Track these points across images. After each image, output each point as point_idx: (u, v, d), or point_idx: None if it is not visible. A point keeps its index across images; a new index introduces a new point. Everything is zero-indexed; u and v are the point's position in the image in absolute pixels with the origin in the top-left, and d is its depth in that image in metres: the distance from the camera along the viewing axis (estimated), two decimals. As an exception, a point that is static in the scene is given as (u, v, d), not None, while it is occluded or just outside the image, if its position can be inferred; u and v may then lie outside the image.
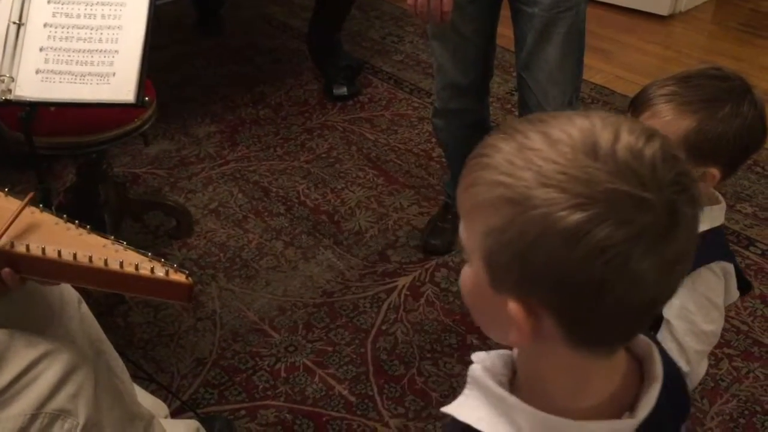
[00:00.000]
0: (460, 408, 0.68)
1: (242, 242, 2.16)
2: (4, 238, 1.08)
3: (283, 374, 1.79)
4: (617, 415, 0.65)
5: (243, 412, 1.70)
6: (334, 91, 2.77)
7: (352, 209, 2.29)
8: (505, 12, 1.89)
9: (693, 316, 1.12)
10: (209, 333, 1.88)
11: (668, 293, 0.60)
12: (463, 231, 0.63)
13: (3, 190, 1.21)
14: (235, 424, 1.66)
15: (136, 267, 1.09)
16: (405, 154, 2.52)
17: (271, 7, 3.41)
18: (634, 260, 0.55)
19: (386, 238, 2.19)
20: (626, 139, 0.57)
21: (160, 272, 1.09)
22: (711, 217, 1.14)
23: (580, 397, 0.64)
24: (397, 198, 2.34)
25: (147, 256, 1.12)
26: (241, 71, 2.94)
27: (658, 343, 0.70)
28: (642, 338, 0.68)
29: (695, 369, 1.16)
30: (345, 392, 1.75)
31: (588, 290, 0.56)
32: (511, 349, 0.70)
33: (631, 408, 0.65)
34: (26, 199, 1.14)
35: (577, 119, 0.59)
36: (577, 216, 0.55)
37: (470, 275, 0.64)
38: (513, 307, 0.59)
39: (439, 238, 2.13)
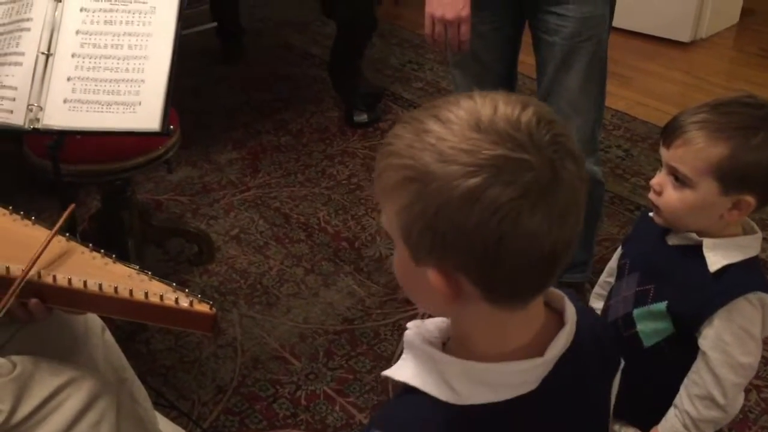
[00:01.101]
0: (398, 369, 0.75)
1: (263, 269, 2.16)
2: (33, 269, 1.09)
3: (303, 402, 1.78)
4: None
5: (263, 441, 1.69)
6: (354, 118, 2.79)
7: (372, 236, 2.29)
8: (527, 38, 1.90)
9: (729, 348, 1.10)
10: (230, 360, 1.88)
11: (564, 245, 0.66)
12: (383, 216, 0.70)
13: (30, 218, 1.23)
14: (255, 452, 1.66)
15: (161, 297, 1.10)
16: (425, 181, 2.52)
17: (293, 36, 3.45)
18: (524, 215, 0.63)
19: (407, 265, 2.18)
20: (503, 110, 0.65)
21: (184, 303, 1.10)
22: (745, 247, 1.13)
23: (500, 344, 0.72)
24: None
25: (171, 286, 1.13)
26: (263, 98, 2.97)
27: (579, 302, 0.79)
28: (555, 292, 0.76)
29: (731, 402, 1.13)
30: (366, 421, 1.73)
31: (490, 248, 0.63)
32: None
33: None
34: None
35: (462, 101, 0.67)
36: (469, 182, 0.62)
37: (396, 257, 0.71)
38: (432, 274, 0.66)
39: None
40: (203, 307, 1.11)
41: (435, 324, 0.76)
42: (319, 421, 1.73)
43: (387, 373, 0.75)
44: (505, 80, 1.93)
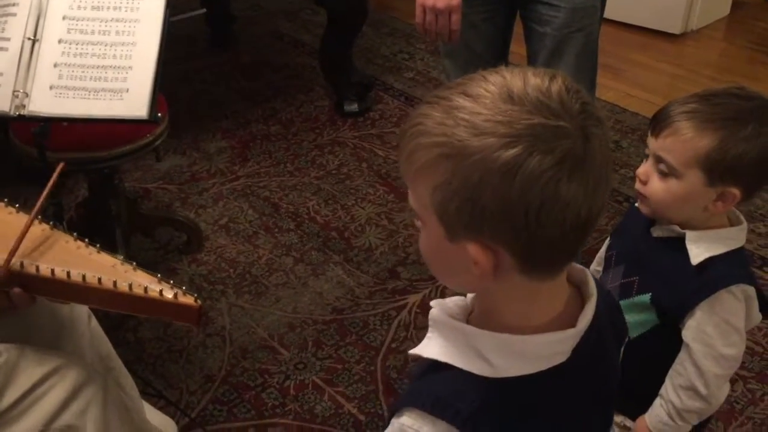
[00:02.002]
0: (425, 347, 0.75)
1: (252, 258, 2.15)
2: (15, 258, 1.08)
3: (292, 392, 1.77)
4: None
5: (252, 430, 1.69)
6: (345, 107, 2.78)
7: (362, 225, 2.28)
8: (518, 29, 1.89)
9: (711, 340, 1.11)
10: (218, 349, 1.88)
11: (598, 210, 0.67)
12: (412, 197, 0.70)
13: (14, 206, 1.21)
14: (243, 441, 1.65)
15: (145, 289, 1.09)
16: (416, 171, 2.51)
17: (283, 24, 3.43)
18: (563, 182, 0.64)
19: (396, 254, 2.18)
20: (533, 81, 0.66)
21: (168, 294, 1.09)
22: (729, 239, 1.13)
23: (530, 318, 0.72)
24: (408, 215, 2.33)
25: (156, 277, 1.11)
26: (253, 87, 2.96)
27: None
28: (577, 266, 0.77)
29: (714, 393, 1.14)
30: (354, 411, 1.73)
31: (531, 217, 0.64)
32: (464, 296, 0.79)
33: (574, 325, 0.74)
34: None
35: (489, 76, 0.68)
36: (509, 152, 0.63)
37: (426, 237, 0.71)
38: (472, 248, 0.67)
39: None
40: (188, 300, 1.10)
41: (454, 302, 0.77)
42: (307, 411, 1.73)
43: (415, 351, 0.75)
44: (496, 70, 1.93)
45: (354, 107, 2.78)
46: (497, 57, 1.91)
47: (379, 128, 2.74)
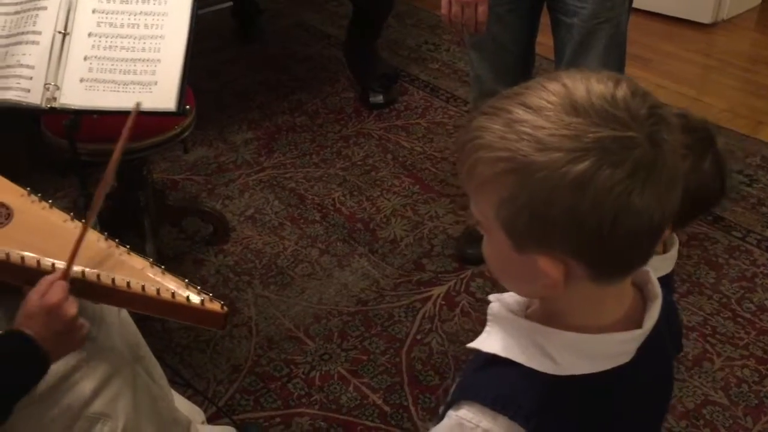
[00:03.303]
0: (485, 342, 0.75)
1: (278, 249, 2.17)
2: (48, 259, 1.09)
3: (317, 382, 1.79)
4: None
5: (278, 420, 1.71)
6: (370, 99, 2.78)
7: (387, 217, 2.29)
8: (545, 19, 1.88)
9: None
10: (245, 340, 1.90)
11: (670, 212, 0.66)
12: (475, 209, 0.69)
13: (48, 201, 1.23)
14: (270, 431, 1.67)
15: (173, 295, 1.10)
16: (441, 163, 2.51)
17: (309, 16, 3.44)
18: (636, 193, 0.62)
19: (421, 246, 2.18)
20: (597, 89, 0.64)
21: (195, 300, 1.10)
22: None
23: (597, 318, 0.72)
24: (433, 206, 2.33)
25: (184, 282, 1.13)
26: (279, 79, 2.97)
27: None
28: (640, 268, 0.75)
29: None
30: (379, 402, 1.74)
31: (604, 229, 0.63)
32: None
33: (639, 325, 0.73)
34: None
35: (548, 84, 0.65)
36: (578, 167, 0.61)
37: (492, 247, 0.71)
38: (543, 261, 0.66)
39: (474, 248, 2.11)
40: (215, 306, 1.11)
41: (513, 298, 0.77)
42: (332, 401, 1.74)
43: (474, 345, 0.75)
44: (523, 62, 1.92)
45: (379, 99, 2.78)
46: (523, 49, 1.90)
47: (404, 120, 2.73)
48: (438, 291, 2.04)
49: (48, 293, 1.04)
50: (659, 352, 0.79)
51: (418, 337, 1.90)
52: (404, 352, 1.86)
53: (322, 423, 1.69)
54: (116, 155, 1.13)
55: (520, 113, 0.64)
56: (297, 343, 1.89)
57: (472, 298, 2.01)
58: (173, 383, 1.55)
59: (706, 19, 3.33)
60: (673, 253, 1.11)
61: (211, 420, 1.66)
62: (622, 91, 0.64)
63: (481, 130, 0.66)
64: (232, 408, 1.72)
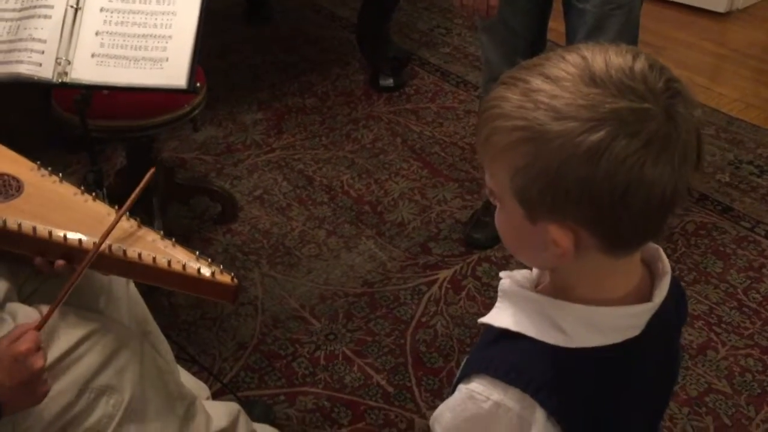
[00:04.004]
0: (496, 316, 0.76)
1: (285, 230, 2.18)
2: (59, 231, 1.09)
3: (322, 362, 1.80)
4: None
5: (282, 398, 1.72)
6: (380, 82, 2.77)
7: (395, 200, 2.29)
8: (557, 5, 1.87)
9: None
10: (251, 318, 1.91)
11: (683, 188, 0.67)
12: (489, 179, 0.70)
13: (58, 175, 1.24)
14: (274, 408, 1.68)
15: (184, 266, 1.11)
16: (450, 147, 2.51)
17: (321, -3, 3.42)
18: (648, 165, 0.63)
19: (428, 230, 2.18)
20: (616, 61, 0.65)
21: (206, 272, 1.11)
22: None
23: (606, 291, 0.73)
24: (441, 191, 2.33)
25: (194, 254, 1.13)
26: (289, 60, 2.96)
27: None
28: (649, 244, 0.76)
29: None
30: (383, 382, 1.75)
31: (615, 199, 0.64)
32: (530, 269, 0.79)
33: (648, 300, 0.74)
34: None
35: (568, 56, 0.66)
36: (593, 137, 0.62)
37: (505, 217, 0.71)
38: (554, 230, 0.67)
39: (481, 232, 2.12)
40: (225, 278, 1.12)
41: (522, 274, 0.78)
42: (337, 381, 1.75)
43: (484, 320, 0.77)
44: (534, 47, 1.91)
45: (389, 82, 2.77)
46: (535, 33, 1.89)
47: (414, 103, 2.73)
48: (444, 274, 2.04)
49: (18, 341, 1.01)
50: (667, 328, 0.79)
51: (423, 319, 1.91)
52: (409, 334, 1.87)
53: (326, 402, 1.71)
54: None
55: (539, 83, 0.65)
56: (302, 323, 1.90)
57: (478, 282, 2.01)
58: (179, 359, 1.56)
59: (721, 8, 3.30)
60: None
61: (216, 396, 1.67)
62: (640, 64, 0.65)
63: (499, 100, 0.66)
64: (236, 385, 1.74)
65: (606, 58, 0.65)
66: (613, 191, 0.63)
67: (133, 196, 1.15)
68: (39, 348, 1.02)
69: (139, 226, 1.16)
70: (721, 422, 1.67)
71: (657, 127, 0.63)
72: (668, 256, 1.30)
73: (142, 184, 1.16)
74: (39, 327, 1.05)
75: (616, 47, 0.66)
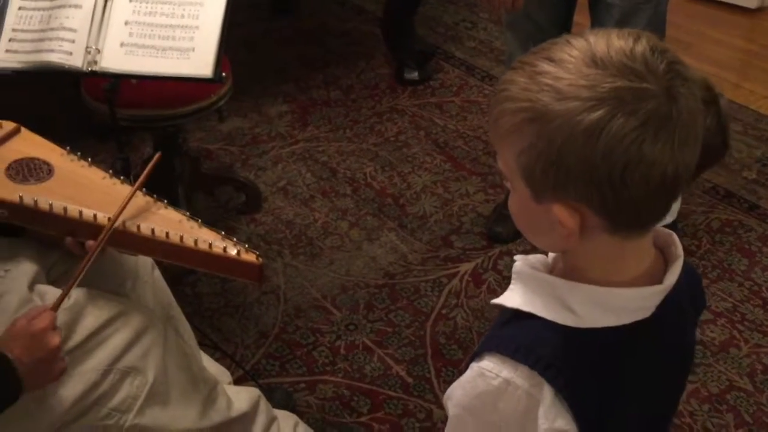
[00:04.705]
0: (508, 298, 0.78)
1: (308, 221, 2.19)
2: (91, 210, 1.12)
3: (342, 351, 1.82)
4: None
5: (302, 385, 1.74)
6: (405, 75, 2.78)
7: (417, 193, 2.30)
8: (582, 0, 1.86)
9: None
10: (273, 307, 1.93)
11: (685, 168, 0.68)
12: (500, 161, 0.72)
13: (87, 160, 1.27)
14: (294, 396, 1.70)
15: (210, 245, 1.13)
16: (473, 141, 2.51)
17: (347, -9, 3.43)
18: (648, 142, 0.64)
19: (450, 223, 2.19)
20: (617, 43, 0.67)
21: (232, 251, 1.13)
22: None
23: (616, 274, 0.73)
24: (464, 184, 2.33)
25: (220, 234, 1.16)
26: (314, 53, 2.98)
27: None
28: (663, 230, 0.78)
29: None
30: (403, 373, 1.77)
31: (616, 177, 0.65)
32: (546, 255, 0.81)
33: (659, 283, 0.75)
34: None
35: (573, 40, 0.68)
36: (592, 116, 0.64)
37: (515, 198, 0.73)
38: (557, 209, 0.68)
39: (503, 226, 2.12)
40: (250, 257, 1.13)
41: (537, 258, 0.79)
42: (356, 370, 1.77)
43: (497, 301, 0.78)
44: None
45: (414, 75, 2.78)
46: (560, 28, 1.88)
47: (438, 97, 2.73)
48: (465, 268, 2.05)
49: (36, 318, 1.04)
50: (680, 314, 0.80)
51: (444, 311, 1.92)
52: (429, 326, 1.88)
53: (346, 391, 1.72)
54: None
55: (544, 66, 0.67)
56: (324, 313, 1.91)
57: (499, 276, 2.02)
58: (202, 345, 1.58)
59: (751, 4, 3.26)
60: (676, 205, 1.13)
61: (237, 383, 1.69)
62: (641, 46, 0.66)
63: (507, 83, 0.69)
64: (258, 372, 1.76)
65: (608, 40, 0.67)
66: (612, 169, 0.65)
67: (145, 172, 1.18)
68: (55, 326, 1.06)
69: (166, 207, 1.19)
70: (742, 420, 1.66)
71: (656, 106, 0.64)
72: (692, 253, 1.30)
73: (150, 165, 1.19)
74: (55, 307, 1.08)
75: (619, 31, 0.68)
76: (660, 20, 1.78)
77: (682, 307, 0.80)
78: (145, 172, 1.19)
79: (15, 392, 1.02)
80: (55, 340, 1.05)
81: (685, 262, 0.79)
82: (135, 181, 1.20)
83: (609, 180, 0.65)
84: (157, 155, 1.23)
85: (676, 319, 0.79)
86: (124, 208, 1.13)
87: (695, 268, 0.99)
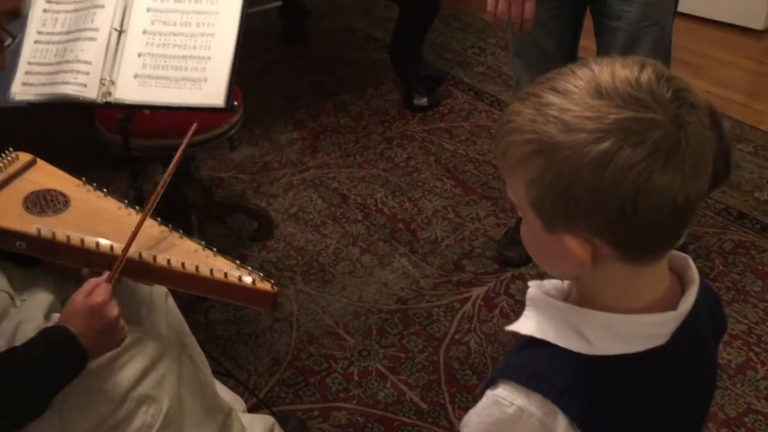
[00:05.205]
0: (522, 324, 0.77)
1: (320, 247, 2.20)
2: (106, 240, 1.14)
3: (356, 378, 1.81)
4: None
5: (316, 413, 1.73)
6: (414, 101, 2.80)
7: (428, 218, 2.30)
8: (588, 23, 1.87)
9: None
10: (286, 334, 1.93)
11: (697, 196, 0.67)
12: (510, 191, 0.73)
13: (102, 190, 1.28)
14: (308, 423, 1.70)
15: (225, 274, 1.14)
16: (483, 165, 2.52)
17: (355, 19, 3.47)
18: (656, 173, 0.64)
19: (462, 248, 2.19)
20: (622, 73, 0.67)
21: (247, 280, 1.14)
22: None
23: (631, 300, 0.73)
24: (474, 208, 2.34)
25: (235, 263, 1.17)
26: (324, 80, 3.01)
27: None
28: (678, 254, 0.77)
29: None
30: (416, 399, 1.76)
31: (626, 208, 0.65)
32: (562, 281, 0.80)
33: (674, 309, 0.74)
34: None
35: (577, 70, 0.68)
36: (599, 147, 0.64)
37: (527, 228, 0.74)
38: (568, 240, 0.69)
39: (515, 250, 2.12)
40: (265, 286, 1.15)
41: (552, 284, 0.79)
42: (370, 397, 1.76)
43: (511, 327, 0.78)
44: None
45: (423, 101, 2.80)
46: (566, 54, 1.90)
47: (447, 122, 2.75)
48: (477, 292, 2.04)
49: (93, 293, 1.08)
50: (699, 340, 0.79)
51: (457, 336, 1.91)
52: (442, 351, 1.87)
53: (360, 417, 1.72)
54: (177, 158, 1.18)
55: (550, 97, 0.67)
56: (336, 339, 1.91)
57: (512, 300, 2.01)
58: (216, 373, 1.59)
59: (759, 26, 3.27)
60: None
61: (251, 410, 1.69)
62: (646, 75, 0.66)
63: (514, 115, 0.69)
64: (271, 399, 1.76)
65: (613, 70, 0.67)
66: (622, 200, 0.65)
67: (158, 188, 1.20)
68: (111, 298, 1.10)
69: (181, 237, 1.20)
70: (761, 443, 1.64)
71: (663, 136, 0.64)
72: (706, 275, 1.30)
73: (162, 183, 1.21)
74: (109, 279, 1.12)
75: (623, 59, 0.68)
76: (666, 43, 1.79)
77: (701, 330, 0.79)
78: (163, 182, 1.20)
79: (81, 364, 1.08)
80: (113, 311, 1.09)
81: (704, 284, 0.78)
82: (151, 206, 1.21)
83: (619, 211, 0.65)
84: (167, 172, 1.23)
85: (694, 344, 0.78)
86: (136, 233, 1.14)
87: (713, 290, 0.98)
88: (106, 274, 1.12)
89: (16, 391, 1.03)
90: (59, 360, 1.07)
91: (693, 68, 3.01)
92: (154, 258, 1.15)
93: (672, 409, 0.78)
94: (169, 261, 1.15)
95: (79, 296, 1.09)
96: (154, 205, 1.18)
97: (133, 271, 1.17)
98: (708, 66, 3.06)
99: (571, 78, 0.68)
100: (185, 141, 1.22)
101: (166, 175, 1.20)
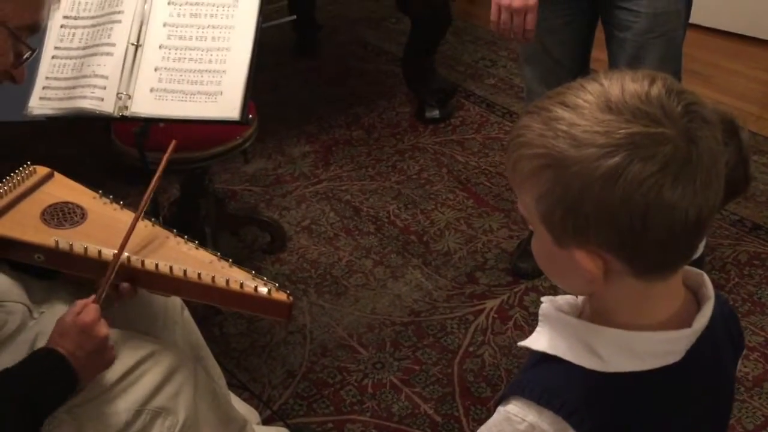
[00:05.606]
0: (535, 340, 0.77)
1: (333, 259, 2.20)
2: (123, 253, 1.15)
3: (370, 390, 1.81)
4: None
5: (330, 425, 1.73)
6: (426, 113, 2.81)
7: (441, 230, 2.30)
8: (599, 34, 1.88)
9: None
10: (299, 346, 1.93)
11: (709, 210, 0.67)
12: (520, 205, 0.73)
13: (119, 203, 1.29)
14: (322, 436, 1.70)
15: (241, 285, 1.15)
16: (495, 177, 2.52)
17: (367, 32, 3.49)
18: (666, 188, 0.64)
19: (475, 260, 2.19)
20: (632, 87, 0.66)
21: (263, 290, 1.14)
22: None
23: (644, 317, 0.72)
24: (487, 220, 2.34)
25: (251, 273, 1.17)
26: (337, 94, 3.02)
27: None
28: (693, 270, 0.76)
29: None
30: (431, 411, 1.75)
31: (636, 223, 0.64)
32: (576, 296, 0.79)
33: (689, 326, 0.73)
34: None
35: (587, 85, 0.68)
36: (609, 162, 0.64)
37: (538, 242, 0.73)
38: (579, 255, 0.68)
39: (528, 262, 2.11)
40: (281, 296, 1.15)
41: (565, 300, 0.79)
42: (384, 409, 1.76)
43: (524, 343, 0.78)
44: (577, 76, 1.91)
45: (435, 113, 2.80)
46: (578, 63, 1.90)
47: (459, 134, 2.75)
48: (491, 304, 2.04)
49: (82, 313, 1.08)
50: (714, 357, 0.78)
51: (471, 349, 1.91)
52: (456, 364, 1.87)
53: (374, 430, 1.71)
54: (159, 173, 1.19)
55: (559, 112, 0.67)
56: (350, 352, 1.91)
57: (526, 312, 2.01)
58: (230, 385, 1.59)
59: (771, 36, 3.26)
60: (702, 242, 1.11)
61: (266, 423, 1.69)
62: (656, 89, 0.66)
63: (524, 129, 0.69)
64: (286, 412, 1.76)
65: (623, 84, 0.66)
66: (632, 215, 0.64)
67: (151, 185, 1.21)
68: (101, 318, 1.09)
69: (197, 248, 1.21)
70: (780, 457, 1.62)
71: (673, 151, 0.64)
72: (721, 287, 1.29)
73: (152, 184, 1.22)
74: (97, 300, 1.11)
75: (633, 73, 0.68)
76: (675, 54, 1.79)
77: (717, 347, 0.78)
78: (147, 193, 1.20)
79: (71, 385, 1.07)
80: (102, 331, 1.08)
81: (721, 299, 0.77)
82: (164, 221, 1.23)
83: (630, 226, 0.64)
84: (156, 175, 1.23)
85: (710, 361, 0.77)
86: (128, 236, 1.15)
87: (730, 305, 0.97)
88: (93, 295, 1.12)
89: (3, 415, 1.01)
90: (48, 382, 1.05)
91: (704, 78, 3.00)
92: (171, 269, 1.16)
93: (686, 427, 0.77)
94: (185, 272, 1.15)
95: (68, 317, 1.08)
96: (141, 214, 1.19)
97: (151, 283, 1.17)
98: (720, 77, 3.06)
99: (580, 92, 0.67)
100: (165, 158, 1.23)
101: (149, 189, 1.21)
